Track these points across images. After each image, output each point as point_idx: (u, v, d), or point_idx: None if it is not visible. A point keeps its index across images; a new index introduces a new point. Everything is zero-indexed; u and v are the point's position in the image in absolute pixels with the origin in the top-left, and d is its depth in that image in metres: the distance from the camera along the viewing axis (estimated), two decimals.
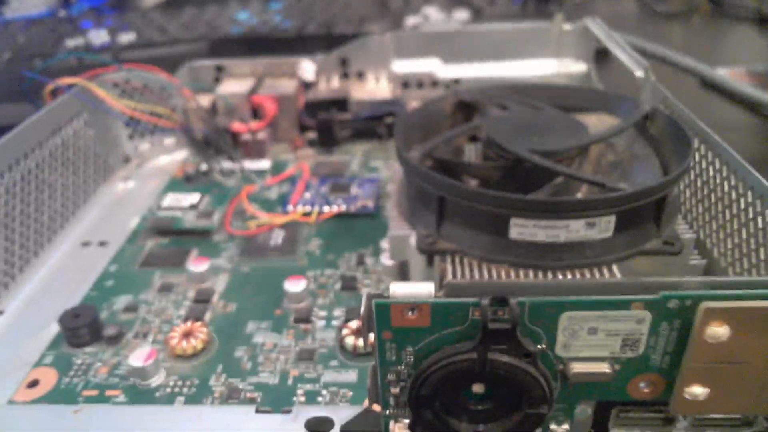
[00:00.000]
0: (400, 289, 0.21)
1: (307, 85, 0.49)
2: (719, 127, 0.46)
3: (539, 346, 0.21)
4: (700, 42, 0.68)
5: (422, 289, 0.21)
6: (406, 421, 0.23)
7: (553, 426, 0.23)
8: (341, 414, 0.23)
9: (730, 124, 0.46)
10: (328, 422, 0.23)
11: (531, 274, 0.27)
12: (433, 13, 0.66)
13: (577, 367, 0.21)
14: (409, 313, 0.20)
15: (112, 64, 0.44)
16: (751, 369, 0.20)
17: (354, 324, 0.29)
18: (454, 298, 0.20)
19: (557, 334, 0.20)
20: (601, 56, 0.47)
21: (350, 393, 0.26)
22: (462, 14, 0.66)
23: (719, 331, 0.19)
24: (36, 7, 0.94)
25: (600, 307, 0.20)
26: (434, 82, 0.49)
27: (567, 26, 0.45)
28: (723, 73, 0.48)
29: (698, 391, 0.20)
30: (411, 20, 0.65)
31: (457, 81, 0.49)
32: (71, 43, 0.71)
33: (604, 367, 0.21)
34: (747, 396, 0.21)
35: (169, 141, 0.49)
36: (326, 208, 0.39)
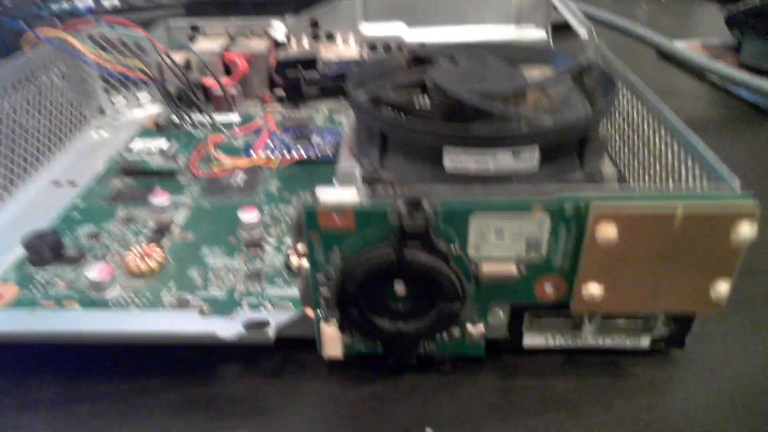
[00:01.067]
0: (327, 195, 0.23)
1: (278, 45, 0.51)
2: (668, 92, 0.48)
3: (452, 246, 0.23)
4: (665, 19, 0.70)
5: (347, 195, 0.23)
6: (336, 320, 0.25)
7: (469, 326, 0.25)
8: (279, 318, 0.25)
9: (678, 90, 0.48)
10: (264, 323, 0.25)
11: None
12: None
13: (487, 267, 0.23)
14: (335, 216, 0.22)
15: (89, 17, 0.46)
16: (640, 268, 0.22)
17: (300, 247, 0.31)
18: (374, 202, 0.22)
19: (468, 235, 0.22)
20: (564, 30, 0.50)
21: (291, 306, 0.28)
22: None
23: (608, 232, 0.21)
24: None
25: (504, 208, 0.22)
26: (400, 46, 0.51)
27: None
28: (679, 46, 0.51)
29: (594, 289, 0.23)
30: None
31: (422, 45, 0.51)
32: (55, 6, 0.73)
33: (511, 268, 0.23)
34: (640, 295, 0.23)
35: (143, 95, 0.50)
36: (287, 155, 0.41)
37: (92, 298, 0.29)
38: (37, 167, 0.41)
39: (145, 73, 0.46)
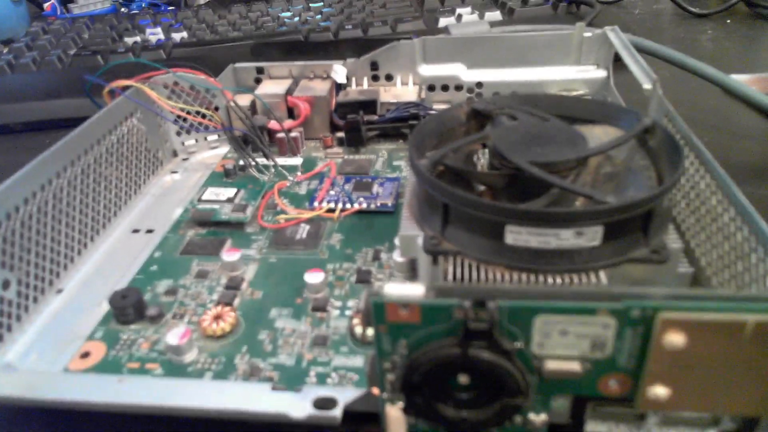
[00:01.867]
0: (393, 290, 0.24)
1: (339, 87, 0.52)
2: (734, 133, 0.47)
3: (516, 344, 0.23)
4: (731, 45, 0.67)
5: (413, 290, 0.23)
6: (401, 404, 0.26)
7: (532, 415, 0.25)
8: (346, 395, 0.26)
9: (747, 131, 0.47)
10: (332, 401, 0.26)
11: (524, 276, 0.29)
12: (466, 14, 0.68)
13: (550, 365, 0.23)
14: (402, 310, 0.23)
15: (162, 68, 0.48)
16: (707, 372, 0.22)
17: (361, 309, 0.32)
18: (440, 300, 0.23)
19: (532, 334, 0.23)
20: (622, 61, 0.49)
21: (356, 377, 0.29)
22: (494, 15, 0.67)
23: (675, 339, 0.21)
24: (101, 3, 1.00)
25: (570, 312, 0.22)
26: (458, 86, 0.51)
27: (587, 33, 0.47)
28: (739, 80, 0.49)
29: (660, 391, 0.23)
30: (443, 21, 0.67)
31: (479, 84, 0.51)
32: (129, 40, 0.76)
33: (575, 366, 0.23)
34: (708, 397, 0.23)
35: (212, 138, 0.53)
36: (348, 206, 0.42)
37: (172, 362, 0.31)
38: (117, 214, 0.44)
39: (215, 121, 0.48)
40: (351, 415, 0.27)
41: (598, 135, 0.35)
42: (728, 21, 0.75)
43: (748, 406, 0.22)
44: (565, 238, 0.28)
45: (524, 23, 0.65)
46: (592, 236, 0.28)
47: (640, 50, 0.53)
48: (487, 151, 0.38)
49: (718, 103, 0.51)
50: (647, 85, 0.36)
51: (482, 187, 0.35)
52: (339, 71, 0.51)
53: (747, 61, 0.62)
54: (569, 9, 0.68)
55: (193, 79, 0.49)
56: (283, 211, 0.42)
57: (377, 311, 0.23)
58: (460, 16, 0.68)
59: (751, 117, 0.48)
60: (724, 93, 0.48)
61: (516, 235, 0.28)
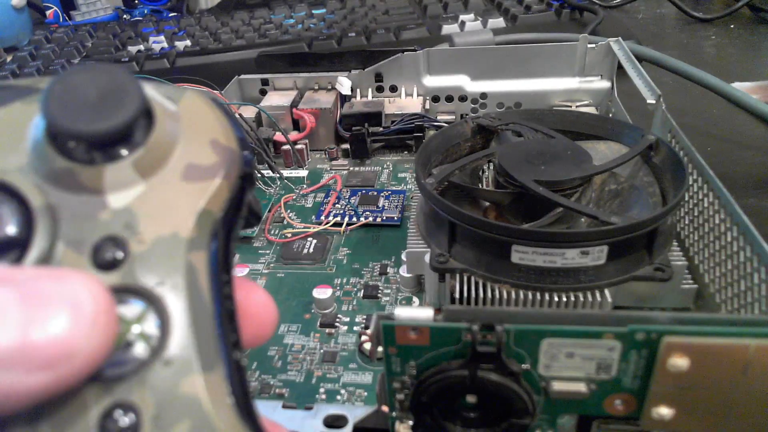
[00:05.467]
0: (403, 313, 0.24)
1: (343, 98, 0.53)
2: (738, 143, 0.47)
3: (524, 366, 0.24)
4: (734, 51, 0.68)
5: (423, 313, 0.24)
6: (410, 422, 0.26)
7: None
8: (355, 412, 0.27)
9: (750, 141, 0.47)
10: (343, 419, 0.27)
11: (530, 294, 0.30)
12: (469, 20, 0.68)
13: (557, 386, 0.24)
14: (411, 333, 0.24)
15: (166, 83, 0.48)
16: (711, 394, 0.22)
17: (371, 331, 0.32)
18: (449, 323, 0.23)
19: (539, 356, 0.23)
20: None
21: (365, 393, 0.30)
22: (497, 21, 0.68)
23: (679, 362, 0.22)
24: (104, 10, 1.00)
25: (576, 335, 0.23)
26: (462, 97, 0.52)
27: (591, 45, 0.47)
28: (742, 90, 0.49)
29: (664, 411, 0.23)
30: (446, 29, 0.68)
31: (484, 95, 0.51)
32: (133, 48, 0.77)
33: (581, 387, 0.24)
34: (711, 418, 0.23)
35: None
36: (354, 219, 0.42)
37: None
38: None
39: None
40: None
41: (602, 151, 0.36)
42: (732, 26, 0.75)
43: (750, 428, 0.23)
44: (571, 258, 0.28)
45: (527, 30, 0.65)
46: (597, 255, 0.28)
47: (644, 59, 0.54)
48: (492, 165, 0.38)
49: (722, 112, 0.51)
50: (651, 100, 0.37)
51: (488, 204, 0.36)
52: (344, 83, 0.52)
53: (750, 67, 0.62)
54: (572, 15, 0.68)
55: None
56: (289, 225, 0.43)
57: (387, 334, 0.24)
58: (463, 23, 0.68)
59: (754, 126, 0.48)
60: (728, 102, 0.48)
61: (522, 254, 0.29)
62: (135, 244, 0.15)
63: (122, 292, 0.14)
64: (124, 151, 0.15)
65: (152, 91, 0.16)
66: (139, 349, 0.14)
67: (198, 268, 0.15)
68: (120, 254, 0.15)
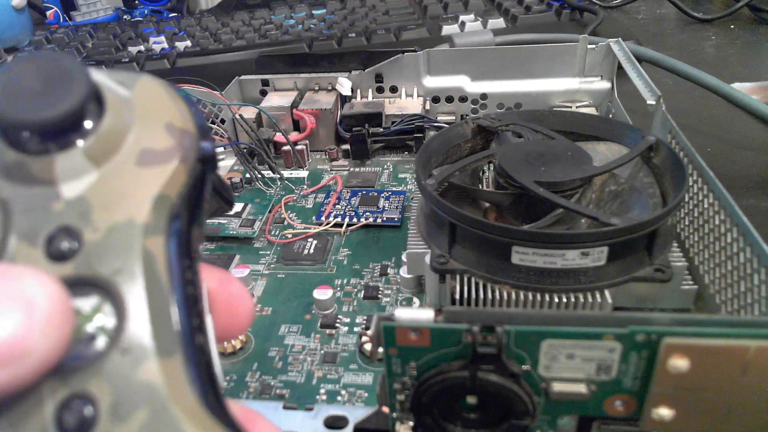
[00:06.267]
0: (404, 314, 0.24)
1: (344, 99, 0.53)
2: (739, 144, 0.47)
3: (524, 367, 0.24)
4: (734, 51, 0.68)
5: (423, 314, 0.24)
6: (411, 423, 0.26)
7: None
8: (356, 413, 0.27)
9: (750, 141, 0.47)
10: (343, 420, 0.27)
11: (530, 295, 0.30)
12: (469, 21, 0.68)
13: (557, 387, 0.24)
14: (412, 334, 0.24)
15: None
16: (711, 395, 0.22)
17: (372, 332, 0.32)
18: (449, 324, 0.23)
19: (539, 357, 0.23)
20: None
21: (366, 394, 0.30)
22: (497, 22, 0.68)
23: (679, 363, 0.22)
24: (104, 11, 1.01)
25: (576, 337, 0.23)
26: (462, 97, 0.52)
27: (591, 46, 0.47)
28: (741, 90, 0.49)
29: (664, 412, 0.23)
30: (447, 29, 0.68)
31: (484, 96, 0.51)
32: (134, 49, 0.77)
33: (582, 388, 0.24)
34: (711, 419, 0.23)
35: (218, 150, 0.53)
36: (355, 220, 0.42)
37: None
38: None
39: (222, 136, 0.49)
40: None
41: (602, 152, 0.36)
42: (732, 26, 0.75)
43: (751, 429, 0.23)
44: (571, 259, 0.28)
45: (527, 31, 0.65)
46: (597, 256, 0.28)
47: (644, 60, 0.54)
48: (492, 166, 0.38)
49: (722, 112, 0.51)
50: (651, 101, 0.37)
51: (488, 205, 0.36)
52: (344, 84, 0.52)
53: (750, 67, 0.62)
54: (572, 16, 0.68)
55: (199, 94, 0.50)
56: (290, 226, 0.43)
57: (388, 335, 0.24)
58: (463, 24, 0.68)
59: (754, 127, 0.48)
60: (727, 102, 0.48)
61: (522, 255, 0.29)
62: (89, 233, 0.15)
63: (77, 284, 0.14)
64: (75, 140, 0.15)
65: (102, 77, 0.16)
66: (96, 340, 0.14)
67: (155, 253, 0.15)
68: (75, 244, 0.14)
